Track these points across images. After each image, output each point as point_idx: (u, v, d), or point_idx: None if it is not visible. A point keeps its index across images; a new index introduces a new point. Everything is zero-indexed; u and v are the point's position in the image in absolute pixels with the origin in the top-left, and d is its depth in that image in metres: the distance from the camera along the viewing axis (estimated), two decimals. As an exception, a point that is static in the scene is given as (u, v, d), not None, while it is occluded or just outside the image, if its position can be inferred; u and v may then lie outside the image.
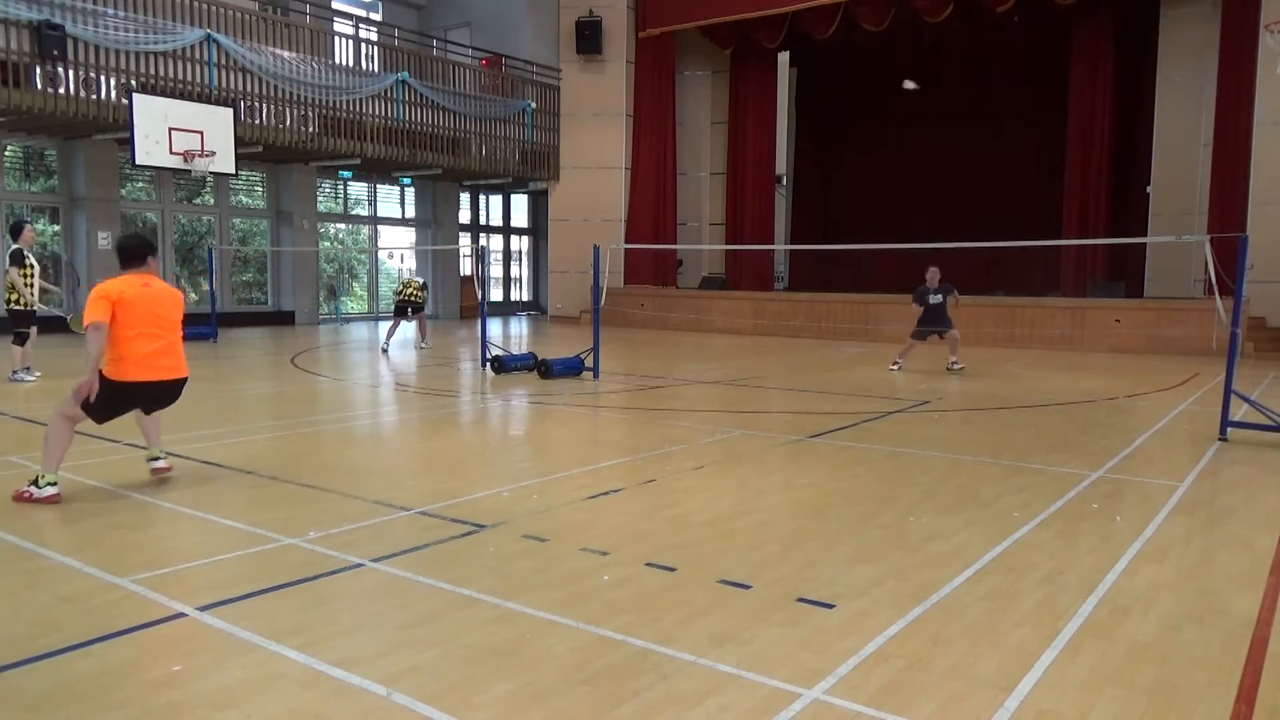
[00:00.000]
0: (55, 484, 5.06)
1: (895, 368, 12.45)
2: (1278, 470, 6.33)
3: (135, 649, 3.14)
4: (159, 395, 5.37)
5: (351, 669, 2.98)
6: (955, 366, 12.40)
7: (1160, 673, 3.04)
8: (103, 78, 15.33)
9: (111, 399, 5.15)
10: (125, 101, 14.93)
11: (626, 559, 4.17)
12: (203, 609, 3.47)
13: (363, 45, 20.30)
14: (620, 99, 22.94)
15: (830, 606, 3.59)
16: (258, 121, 17.56)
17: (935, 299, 12.30)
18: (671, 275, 23.37)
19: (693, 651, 3.14)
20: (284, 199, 21.73)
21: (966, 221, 20.47)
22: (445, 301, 25.70)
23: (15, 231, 10.39)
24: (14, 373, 10.16)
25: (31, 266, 10.20)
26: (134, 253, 5.33)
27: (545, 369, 11.11)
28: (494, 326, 20.58)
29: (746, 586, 3.82)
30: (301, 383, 10.88)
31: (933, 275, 12.36)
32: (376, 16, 24.88)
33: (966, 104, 22.07)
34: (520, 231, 29.06)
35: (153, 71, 15.91)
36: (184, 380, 5.44)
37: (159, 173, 18.12)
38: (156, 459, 5.63)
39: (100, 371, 5.04)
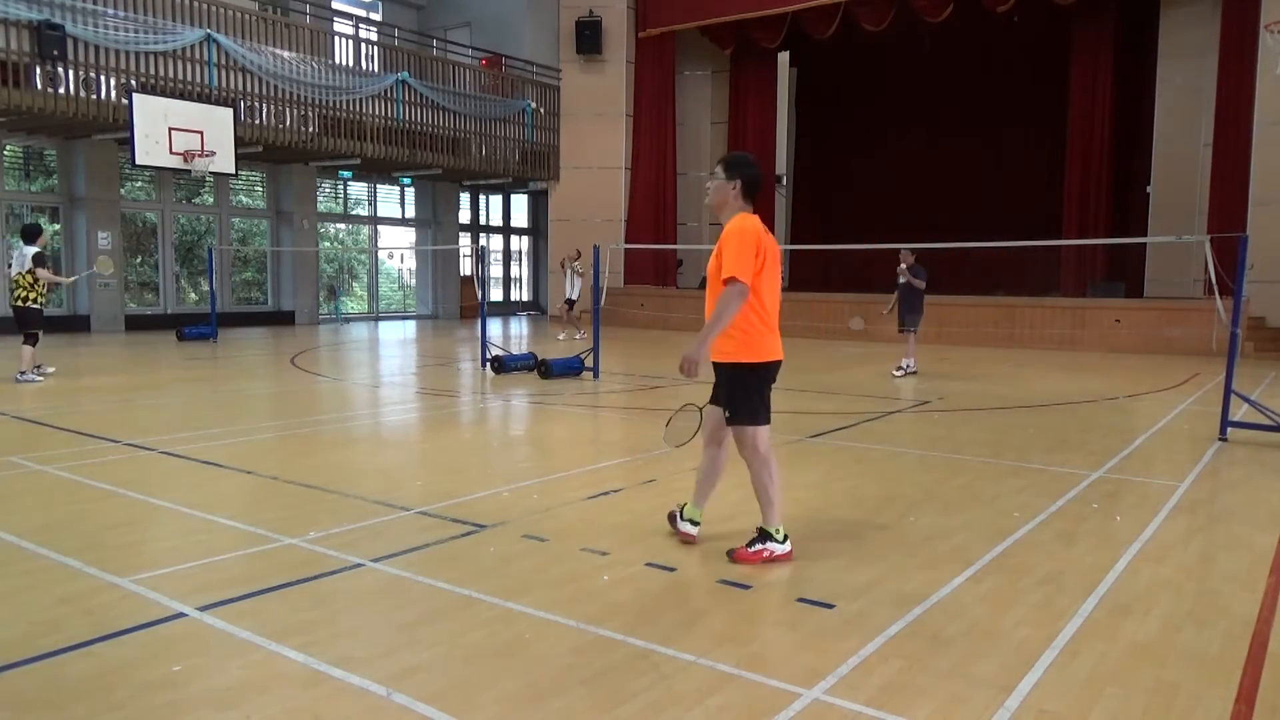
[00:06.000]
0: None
1: (899, 373, 11.89)
2: (1278, 470, 6.32)
3: (135, 649, 3.14)
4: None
5: (351, 669, 2.98)
6: (908, 369, 11.79)
7: (1160, 673, 3.04)
8: (103, 78, 15.33)
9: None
10: (125, 101, 14.93)
11: (626, 559, 4.17)
12: (203, 609, 3.47)
13: (363, 45, 20.30)
14: (620, 99, 22.94)
15: (830, 606, 3.58)
16: (258, 121, 17.56)
17: (900, 281, 11.66)
18: (671, 275, 23.36)
19: (693, 651, 3.14)
20: (284, 199, 21.73)
21: (966, 221, 20.43)
22: (445, 301, 25.71)
23: (35, 234, 10.59)
24: (21, 373, 10.23)
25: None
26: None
27: (545, 369, 11.10)
28: (494, 326, 20.58)
29: (746, 586, 3.82)
30: (301, 383, 10.88)
31: (905, 256, 11.59)
32: (376, 16, 24.88)
33: (966, 104, 22.04)
34: (520, 231, 29.07)
35: (153, 71, 15.91)
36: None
37: (159, 173, 18.12)
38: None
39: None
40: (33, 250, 10.39)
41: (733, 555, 4.17)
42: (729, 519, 4.88)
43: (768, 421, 4.25)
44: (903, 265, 11.63)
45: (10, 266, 10.60)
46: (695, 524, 4.43)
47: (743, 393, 4.18)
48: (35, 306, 10.38)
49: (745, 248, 4.00)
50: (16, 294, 10.39)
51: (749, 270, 3.99)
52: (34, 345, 10.38)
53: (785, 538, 4.19)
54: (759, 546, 4.15)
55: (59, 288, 11.15)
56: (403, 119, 20.32)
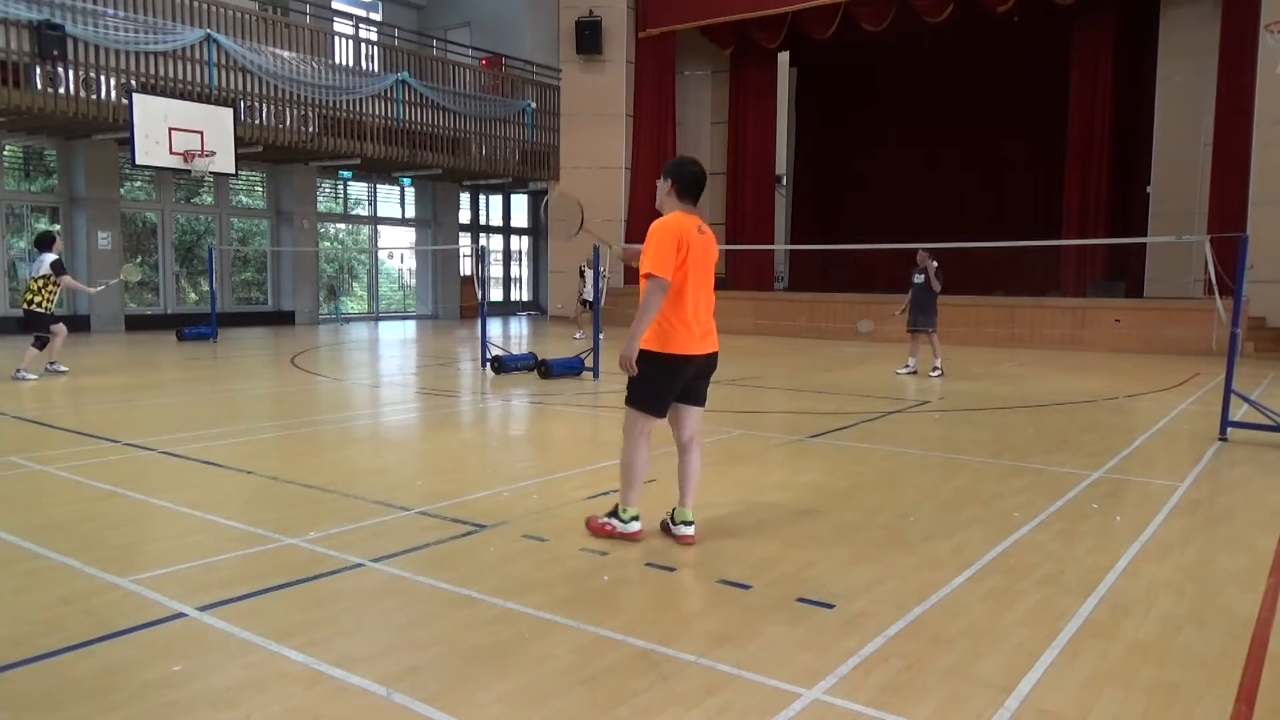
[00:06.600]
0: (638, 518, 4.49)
1: (905, 370, 12.03)
2: (1278, 470, 6.32)
3: (135, 649, 3.13)
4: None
5: (351, 669, 2.98)
6: (934, 373, 11.78)
7: (1160, 673, 3.04)
8: (103, 78, 15.34)
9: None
10: (125, 101, 14.94)
11: (626, 559, 4.17)
12: (203, 609, 3.47)
13: (363, 45, 20.32)
14: (620, 99, 22.94)
15: (830, 606, 3.58)
16: (258, 121, 17.57)
17: (918, 280, 11.72)
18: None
19: (693, 651, 3.13)
20: (284, 199, 21.74)
21: (966, 221, 20.45)
22: (445, 301, 25.71)
23: (50, 241, 10.86)
24: (18, 371, 10.35)
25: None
26: None
27: (545, 369, 11.10)
28: (494, 326, 20.58)
29: (746, 586, 3.82)
30: (301, 383, 10.89)
31: (921, 257, 11.69)
32: (376, 16, 24.89)
33: (966, 104, 22.05)
34: (520, 231, 29.07)
35: (153, 71, 15.92)
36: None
37: (159, 173, 18.13)
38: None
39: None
40: (51, 257, 10.64)
41: (588, 522, 4.54)
42: (718, 516, 4.89)
43: (663, 414, 4.41)
44: (932, 263, 11.63)
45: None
46: (689, 524, 4.45)
47: (642, 379, 4.33)
48: (41, 310, 10.57)
49: (665, 244, 4.16)
50: (25, 297, 10.68)
51: (667, 265, 4.15)
52: (40, 349, 10.57)
53: (633, 519, 4.43)
54: (604, 520, 4.48)
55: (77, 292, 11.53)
56: (403, 119, 20.32)
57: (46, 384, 10.13)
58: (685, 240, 4.21)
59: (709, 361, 4.45)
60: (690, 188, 4.37)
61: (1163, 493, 5.59)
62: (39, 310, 10.54)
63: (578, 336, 17.30)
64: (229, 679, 2.90)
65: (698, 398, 4.50)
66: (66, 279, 10.73)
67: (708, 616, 3.49)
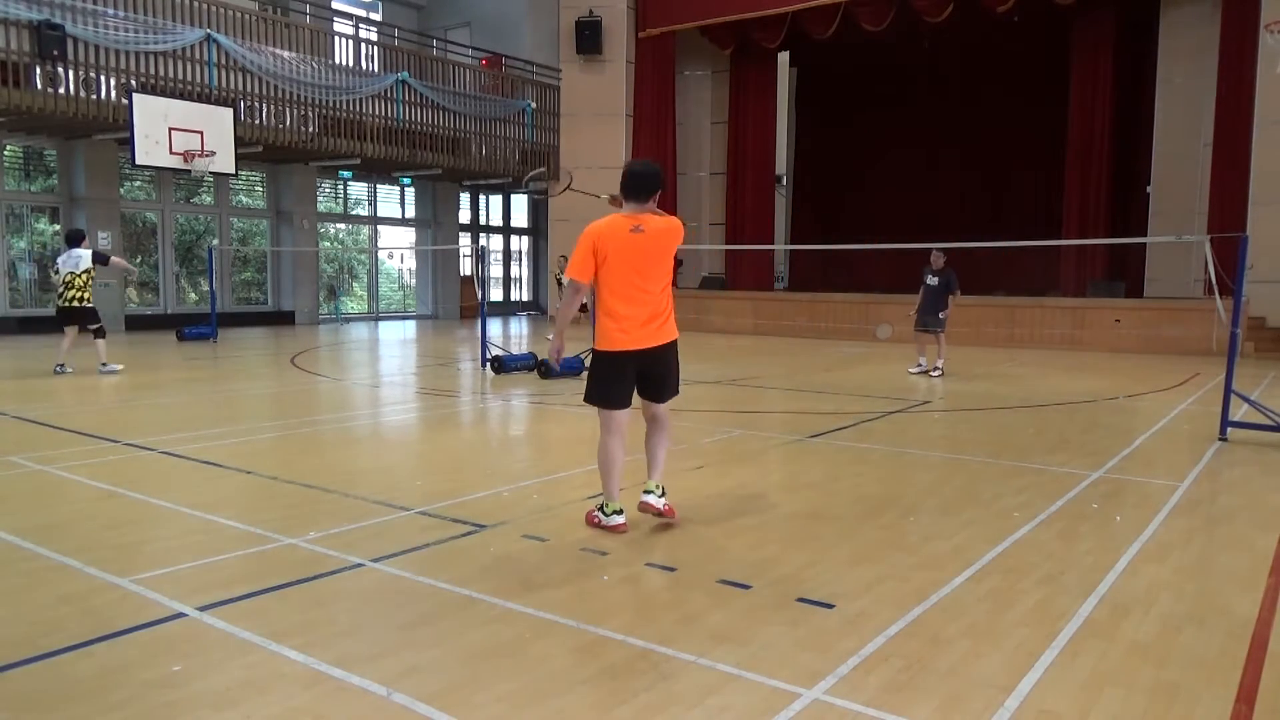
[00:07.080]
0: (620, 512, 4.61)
1: (917, 369, 12.03)
2: (1278, 470, 6.32)
3: (135, 649, 3.14)
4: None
5: (351, 669, 2.98)
6: (924, 367, 11.91)
7: (1160, 673, 3.04)
8: (103, 78, 15.34)
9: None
10: (125, 101, 14.93)
11: (626, 559, 4.17)
12: (203, 609, 3.47)
13: (363, 45, 20.31)
14: (620, 99, 22.93)
15: (830, 606, 3.58)
16: (258, 121, 17.57)
17: (930, 281, 11.76)
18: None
19: (693, 651, 3.14)
20: (284, 199, 21.74)
21: (966, 221, 20.45)
22: (445, 301, 25.71)
23: (82, 236, 11.23)
24: (103, 365, 10.90)
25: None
26: None
27: (545, 369, 11.11)
28: (494, 326, 20.58)
29: (746, 586, 3.82)
30: (301, 383, 10.89)
31: (935, 257, 11.76)
32: (376, 16, 24.89)
33: (966, 104, 22.04)
34: (520, 231, 29.07)
35: (153, 71, 15.92)
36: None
37: (159, 173, 18.13)
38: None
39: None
40: (87, 252, 11.01)
41: (587, 515, 4.73)
42: (719, 516, 4.89)
43: (617, 406, 4.60)
44: (942, 265, 11.75)
45: (58, 269, 11.10)
46: (649, 492, 4.68)
47: (590, 374, 4.71)
48: (90, 305, 10.99)
49: (579, 249, 4.45)
50: (70, 294, 10.90)
51: (581, 270, 4.43)
52: (103, 337, 11.03)
53: (615, 513, 4.57)
54: (595, 511, 4.69)
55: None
56: (403, 119, 20.32)
57: (48, 384, 10.13)
58: (602, 245, 4.40)
59: (657, 355, 4.57)
60: (631, 188, 4.54)
61: (1163, 493, 5.59)
62: (89, 305, 10.95)
63: (549, 337, 17.37)
64: (229, 679, 2.90)
65: (656, 394, 4.69)
66: (116, 260, 11.20)
67: (708, 616, 3.49)
